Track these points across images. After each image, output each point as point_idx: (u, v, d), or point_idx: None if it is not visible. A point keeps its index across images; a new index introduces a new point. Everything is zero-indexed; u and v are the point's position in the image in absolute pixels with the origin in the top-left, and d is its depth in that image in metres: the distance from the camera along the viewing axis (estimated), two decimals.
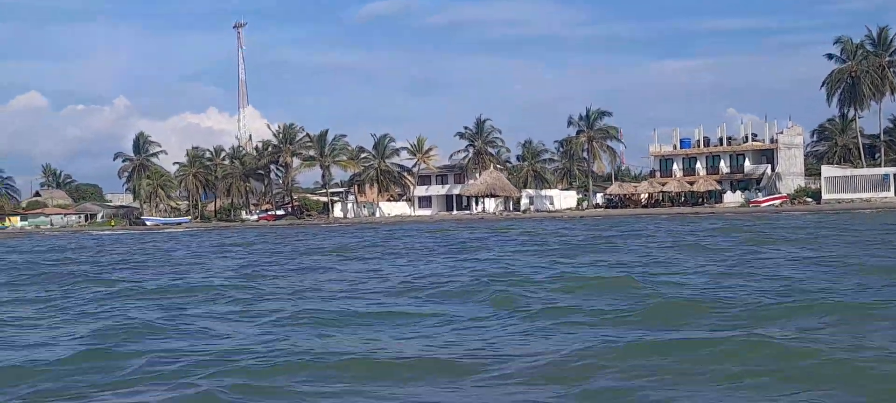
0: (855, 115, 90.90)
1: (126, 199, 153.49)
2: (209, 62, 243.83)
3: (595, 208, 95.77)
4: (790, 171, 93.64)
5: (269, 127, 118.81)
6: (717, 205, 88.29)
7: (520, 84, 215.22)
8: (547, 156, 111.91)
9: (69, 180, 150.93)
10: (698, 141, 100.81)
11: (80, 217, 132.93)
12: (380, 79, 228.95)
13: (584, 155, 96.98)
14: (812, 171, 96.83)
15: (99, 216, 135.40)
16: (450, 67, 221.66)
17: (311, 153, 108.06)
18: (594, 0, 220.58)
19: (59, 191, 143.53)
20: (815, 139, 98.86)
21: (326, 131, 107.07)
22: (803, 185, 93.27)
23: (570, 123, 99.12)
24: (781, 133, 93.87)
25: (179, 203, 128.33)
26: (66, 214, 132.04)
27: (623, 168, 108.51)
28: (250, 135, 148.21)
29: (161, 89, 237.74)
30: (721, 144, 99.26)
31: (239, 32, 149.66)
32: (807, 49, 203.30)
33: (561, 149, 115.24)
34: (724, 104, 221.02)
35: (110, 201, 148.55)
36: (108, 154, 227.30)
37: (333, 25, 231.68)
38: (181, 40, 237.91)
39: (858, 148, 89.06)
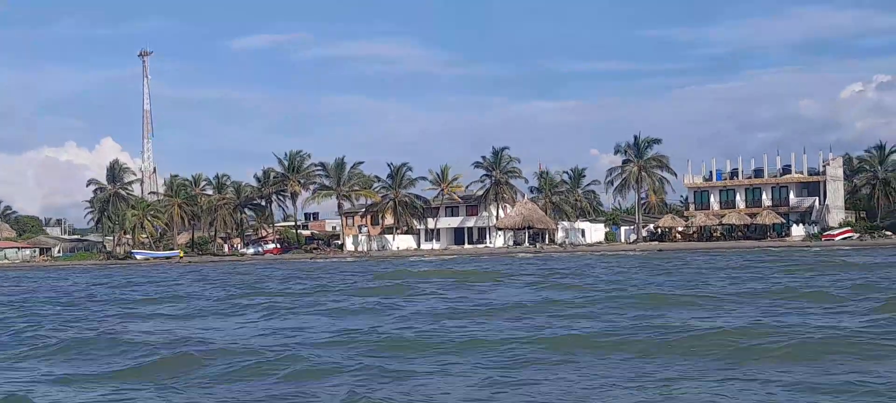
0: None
1: (54, 233, 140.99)
2: (67, 94, 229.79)
3: (643, 241, 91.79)
4: (835, 204, 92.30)
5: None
6: (786, 239, 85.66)
7: (390, 122, 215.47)
8: (565, 188, 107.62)
9: (9, 212, 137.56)
10: (732, 172, 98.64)
11: (34, 251, 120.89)
12: (248, 115, 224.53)
13: (634, 185, 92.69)
14: (846, 205, 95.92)
15: (55, 250, 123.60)
16: (320, 104, 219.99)
17: (326, 182, 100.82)
18: (461, 42, 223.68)
19: (2, 224, 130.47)
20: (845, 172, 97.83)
21: (343, 158, 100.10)
22: (844, 219, 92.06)
23: (616, 151, 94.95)
24: (828, 164, 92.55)
25: (141, 237, 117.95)
26: (20, 248, 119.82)
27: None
28: (155, 168, 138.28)
29: (17, 121, 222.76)
30: (756, 177, 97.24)
31: (144, 61, 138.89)
32: (669, 92, 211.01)
33: (570, 180, 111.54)
34: (587, 145, 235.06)
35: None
36: None
37: (205, 61, 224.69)
38: (39, 70, 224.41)
39: None
